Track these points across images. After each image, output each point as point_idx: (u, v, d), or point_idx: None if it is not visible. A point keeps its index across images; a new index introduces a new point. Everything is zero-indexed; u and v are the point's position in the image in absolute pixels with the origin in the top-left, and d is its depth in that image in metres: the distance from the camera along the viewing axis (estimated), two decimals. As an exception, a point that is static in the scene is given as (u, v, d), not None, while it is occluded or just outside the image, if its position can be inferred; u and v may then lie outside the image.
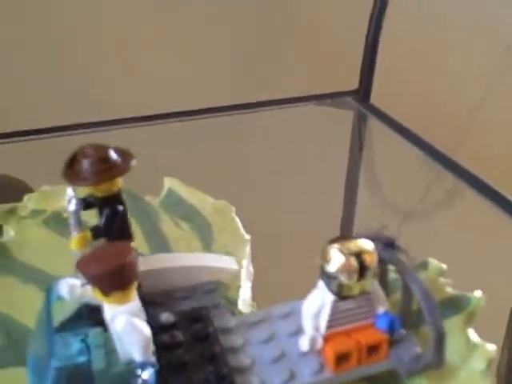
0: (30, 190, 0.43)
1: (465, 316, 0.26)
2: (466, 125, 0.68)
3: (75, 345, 0.22)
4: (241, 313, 0.30)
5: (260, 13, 0.68)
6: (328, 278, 0.23)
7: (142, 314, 0.23)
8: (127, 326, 0.22)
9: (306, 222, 0.38)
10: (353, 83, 0.63)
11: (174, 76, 0.62)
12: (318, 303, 0.24)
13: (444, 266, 0.29)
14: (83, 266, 0.22)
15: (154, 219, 0.35)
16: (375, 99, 0.63)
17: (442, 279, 0.28)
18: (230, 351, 0.25)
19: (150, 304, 0.25)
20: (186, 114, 0.57)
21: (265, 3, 0.69)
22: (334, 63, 0.66)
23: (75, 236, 0.25)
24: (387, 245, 0.24)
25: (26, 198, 0.33)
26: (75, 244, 0.25)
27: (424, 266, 0.29)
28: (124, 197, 0.27)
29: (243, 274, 0.32)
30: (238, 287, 0.32)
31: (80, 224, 0.25)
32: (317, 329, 0.24)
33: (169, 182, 0.36)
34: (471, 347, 0.25)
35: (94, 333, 0.22)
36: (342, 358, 0.24)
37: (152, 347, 0.22)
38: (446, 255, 0.30)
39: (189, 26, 0.64)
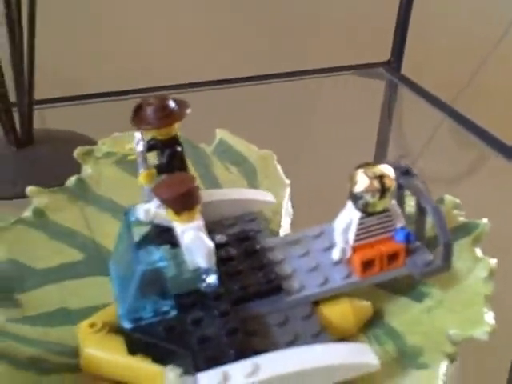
0: (93, 143, 0.49)
1: (473, 238, 0.31)
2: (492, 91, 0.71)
3: (156, 253, 0.26)
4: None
5: None
6: (355, 197, 0.28)
7: (205, 230, 0.27)
8: (195, 238, 0.26)
9: (337, 174, 0.43)
10: (385, 55, 0.67)
11: (221, 46, 0.67)
12: (347, 220, 0.29)
13: (458, 201, 0.33)
14: (159, 191, 0.27)
15: (207, 163, 0.40)
16: (406, 70, 0.67)
17: (455, 211, 0.33)
18: (274, 263, 0.30)
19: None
20: (239, 80, 0.62)
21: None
22: (368, 36, 0.69)
23: (143, 172, 0.30)
24: (404, 172, 0.29)
25: (100, 142, 0.39)
26: (143, 179, 0.30)
27: (441, 200, 0.33)
28: (182, 143, 0.32)
29: (283, 211, 0.37)
30: (279, 222, 0.36)
31: (147, 162, 0.30)
32: (346, 242, 0.29)
33: (220, 133, 0.41)
34: (476, 260, 0.29)
35: (164, 248, 0.27)
36: (366, 265, 0.29)
37: (214, 257, 0.27)
38: (460, 197, 0.34)
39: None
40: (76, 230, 0.34)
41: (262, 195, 0.35)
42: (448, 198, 0.33)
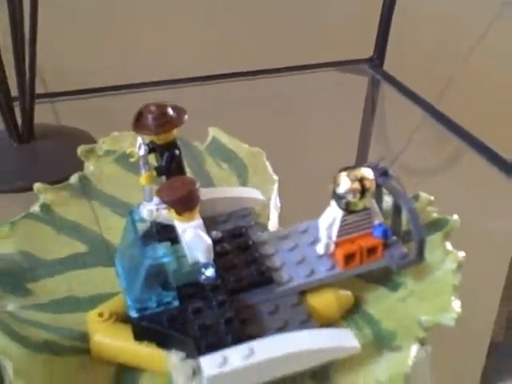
0: (92, 139, 0.51)
1: (444, 232, 0.34)
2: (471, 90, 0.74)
3: (160, 249, 0.29)
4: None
5: None
6: (338, 197, 0.31)
7: (204, 228, 0.30)
8: (195, 236, 0.29)
9: (322, 169, 0.45)
10: (369, 51, 0.70)
11: (205, 43, 0.69)
12: (331, 217, 0.32)
13: (432, 198, 0.36)
14: (163, 194, 0.30)
15: (201, 161, 0.43)
16: (389, 66, 0.69)
17: (429, 208, 0.36)
18: (265, 257, 0.33)
19: None
20: (221, 76, 0.65)
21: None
22: (351, 33, 0.72)
23: (144, 174, 0.33)
24: (383, 173, 0.32)
25: (100, 140, 0.41)
26: (144, 180, 0.33)
27: (416, 197, 0.36)
28: (178, 143, 0.35)
29: (271, 205, 0.40)
30: (268, 215, 0.39)
31: (148, 165, 0.33)
32: (330, 237, 0.32)
33: (213, 131, 0.44)
34: (446, 253, 0.32)
35: (166, 244, 0.30)
36: (348, 258, 0.32)
37: (212, 252, 0.30)
38: (437, 193, 0.37)
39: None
40: (81, 223, 0.37)
41: (252, 193, 0.38)
42: (423, 195, 0.36)
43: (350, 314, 0.32)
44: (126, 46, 0.66)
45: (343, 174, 0.31)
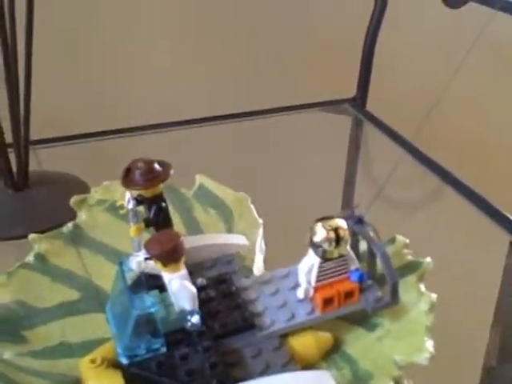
0: (85, 185, 0.53)
1: (417, 275, 0.36)
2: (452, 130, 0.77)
3: (148, 300, 0.31)
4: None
5: (261, 24, 0.77)
6: (315, 246, 0.33)
7: (189, 278, 0.32)
8: (180, 285, 0.31)
9: (307, 211, 0.47)
10: (351, 91, 0.73)
11: (179, 87, 0.71)
12: (309, 264, 0.34)
13: (407, 241, 0.38)
14: (150, 248, 0.32)
15: (189, 207, 0.44)
16: (371, 106, 0.72)
17: (405, 250, 0.38)
18: (248, 302, 0.35)
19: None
20: (201, 121, 0.67)
21: (266, 15, 0.77)
22: (334, 74, 0.75)
23: (133, 226, 0.35)
24: (357, 221, 0.34)
25: (92, 190, 0.43)
26: (133, 232, 0.35)
27: (392, 240, 0.38)
28: (165, 190, 0.37)
29: (257, 249, 0.42)
30: (253, 259, 0.41)
31: (136, 217, 0.35)
32: (309, 282, 0.34)
33: (200, 178, 0.46)
34: (420, 295, 0.34)
35: (154, 293, 0.32)
36: (326, 302, 0.34)
37: (197, 300, 0.31)
38: (416, 231, 0.39)
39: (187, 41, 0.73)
40: (74, 271, 0.39)
41: (237, 239, 0.40)
42: (399, 238, 0.38)
43: (330, 353, 0.34)
44: (113, 90, 0.69)
45: (319, 224, 0.33)
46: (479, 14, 0.65)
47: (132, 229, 0.35)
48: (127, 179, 0.34)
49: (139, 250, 0.34)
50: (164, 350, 0.31)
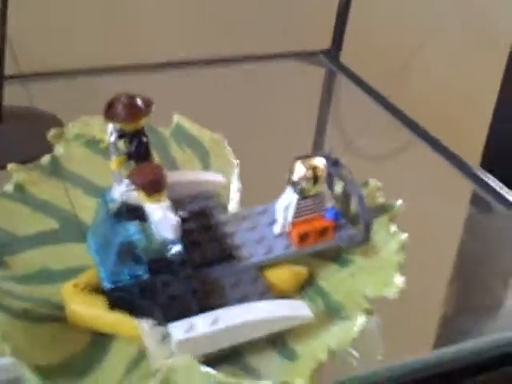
0: (57, 120, 0.53)
1: (389, 216, 0.37)
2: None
3: (131, 227, 0.32)
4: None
5: None
6: (293, 183, 0.34)
7: (171, 209, 0.33)
8: (163, 215, 0.32)
9: (280, 154, 0.48)
10: (327, 43, 0.73)
11: (158, 30, 0.70)
12: (287, 201, 0.35)
13: (379, 184, 0.40)
14: (134, 178, 0.32)
15: (166, 146, 0.45)
16: (345, 59, 0.72)
17: (377, 193, 0.39)
18: (226, 235, 0.36)
19: None
20: (179, 65, 0.67)
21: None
22: (311, 24, 0.75)
23: (114, 159, 0.35)
24: (334, 163, 0.35)
25: (70, 124, 0.43)
26: (114, 165, 0.36)
27: (365, 184, 0.40)
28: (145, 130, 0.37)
29: (232, 188, 0.43)
30: (228, 197, 0.42)
31: (118, 150, 0.36)
32: (285, 219, 0.35)
33: (177, 118, 0.46)
34: (391, 235, 0.36)
35: (136, 223, 0.33)
36: (302, 238, 0.35)
37: (179, 230, 0.32)
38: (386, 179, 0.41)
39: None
40: (52, 202, 0.39)
41: (214, 176, 0.41)
42: (372, 181, 0.40)
43: (305, 287, 0.35)
44: (96, 27, 0.68)
45: (298, 163, 0.34)
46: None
47: (113, 161, 0.35)
48: (110, 112, 0.35)
49: (120, 182, 0.35)
50: (146, 276, 0.32)
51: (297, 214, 0.35)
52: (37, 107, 0.55)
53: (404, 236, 0.36)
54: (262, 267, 0.35)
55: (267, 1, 0.76)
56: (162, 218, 0.32)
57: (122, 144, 0.36)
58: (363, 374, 0.33)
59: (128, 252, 0.31)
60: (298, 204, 0.35)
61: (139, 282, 0.31)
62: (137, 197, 0.33)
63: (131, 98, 0.35)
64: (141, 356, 0.31)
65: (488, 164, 0.69)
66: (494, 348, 0.38)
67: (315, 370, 0.29)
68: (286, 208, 0.35)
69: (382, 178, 0.40)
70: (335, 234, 0.35)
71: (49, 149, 0.42)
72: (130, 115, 0.35)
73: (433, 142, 0.59)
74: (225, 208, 0.40)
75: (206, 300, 0.31)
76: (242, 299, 0.32)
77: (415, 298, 0.39)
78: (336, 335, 0.31)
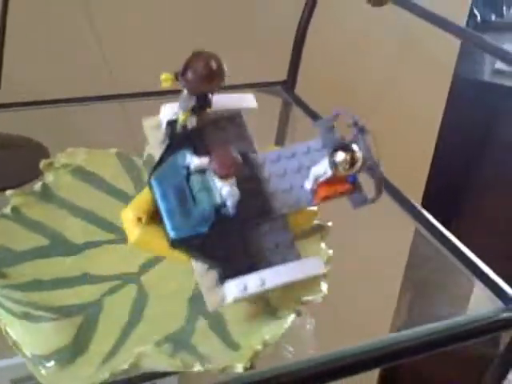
0: (42, 147, 0.60)
1: (321, 235, 0.46)
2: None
3: (212, 197, 0.37)
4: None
5: (199, 7, 0.82)
6: (333, 162, 0.38)
7: (235, 182, 0.37)
8: (229, 191, 0.37)
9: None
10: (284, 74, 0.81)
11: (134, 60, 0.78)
12: (322, 170, 0.40)
13: (316, 209, 0.48)
14: (216, 169, 0.37)
15: (140, 174, 0.53)
16: (300, 90, 0.80)
17: (313, 217, 0.48)
18: (263, 185, 0.40)
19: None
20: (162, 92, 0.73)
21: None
22: (268, 56, 0.82)
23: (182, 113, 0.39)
24: (360, 130, 0.39)
25: (58, 155, 0.51)
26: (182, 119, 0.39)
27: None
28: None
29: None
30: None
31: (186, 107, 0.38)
32: (315, 181, 0.40)
33: (148, 148, 0.54)
34: (321, 250, 0.45)
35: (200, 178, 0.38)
36: (325, 198, 0.41)
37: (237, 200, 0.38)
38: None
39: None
40: (43, 222, 0.47)
41: (248, 102, 0.44)
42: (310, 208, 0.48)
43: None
44: (80, 56, 0.73)
45: (339, 152, 0.38)
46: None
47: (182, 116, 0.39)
48: (186, 77, 0.37)
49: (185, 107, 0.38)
50: (206, 230, 0.37)
51: (326, 181, 0.40)
52: (23, 135, 0.62)
53: (330, 252, 0.45)
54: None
55: (230, 34, 0.83)
56: (228, 193, 0.37)
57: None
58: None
59: (203, 217, 0.37)
60: (330, 175, 0.39)
61: (200, 235, 0.37)
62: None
63: (207, 64, 0.37)
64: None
65: (428, 200, 0.76)
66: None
67: (252, 358, 0.37)
68: (319, 176, 0.40)
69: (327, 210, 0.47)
70: (351, 195, 0.40)
71: (35, 174, 0.50)
72: (206, 80, 0.37)
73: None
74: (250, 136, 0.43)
75: (250, 256, 0.38)
76: (275, 251, 0.39)
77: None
78: (270, 330, 0.39)
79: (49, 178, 0.50)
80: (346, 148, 0.38)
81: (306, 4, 0.76)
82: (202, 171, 0.38)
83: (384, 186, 0.57)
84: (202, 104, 0.39)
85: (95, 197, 0.49)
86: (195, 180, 0.38)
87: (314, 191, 0.41)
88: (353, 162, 0.38)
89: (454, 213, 1.09)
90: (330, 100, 0.76)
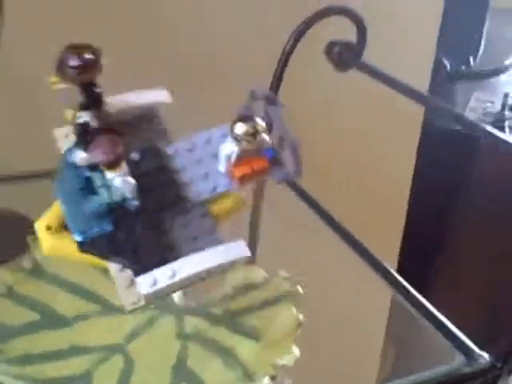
0: (27, 219, 0.63)
1: (293, 300, 0.50)
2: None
3: (97, 200, 0.36)
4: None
5: (179, 52, 0.81)
6: (235, 138, 0.37)
7: (128, 171, 0.36)
8: (122, 181, 0.35)
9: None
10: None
11: None
12: (229, 150, 0.38)
13: (287, 275, 0.52)
14: (95, 156, 0.35)
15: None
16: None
17: (284, 282, 0.52)
18: (176, 174, 0.38)
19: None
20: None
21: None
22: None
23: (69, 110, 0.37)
24: (271, 102, 0.38)
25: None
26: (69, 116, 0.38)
27: (276, 273, 0.52)
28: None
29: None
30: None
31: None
32: (228, 161, 0.38)
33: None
34: (292, 315, 0.48)
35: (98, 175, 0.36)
36: (243, 177, 0.38)
37: (136, 190, 0.36)
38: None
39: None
40: (34, 297, 0.50)
41: (158, 96, 0.42)
42: (281, 272, 0.52)
43: (227, 360, 0.47)
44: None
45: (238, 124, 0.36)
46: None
47: (68, 113, 0.38)
48: (62, 71, 0.36)
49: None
50: (110, 228, 0.35)
51: (238, 159, 0.38)
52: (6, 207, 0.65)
53: (301, 316, 0.48)
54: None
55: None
56: (122, 183, 0.36)
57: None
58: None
59: (97, 216, 0.36)
60: (239, 151, 0.37)
61: (105, 234, 0.35)
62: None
63: (80, 54, 0.36)
64: None
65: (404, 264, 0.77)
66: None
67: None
68: (229, 155, 0.38)
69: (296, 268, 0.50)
70: (271, 171, 0.39)
71: (22, 249, 0.52)
72: (81, 72, 0.36)
73: (352, 242, 0.60)
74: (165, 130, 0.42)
75: (163, 248, 0.35)
76: (193, 240, 0.36)
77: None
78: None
79: (37, 253, 0.53)
80: (245, 119, 0.37)
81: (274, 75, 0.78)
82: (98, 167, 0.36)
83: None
84: (90, 99, 0.37)
85: (83, 270, 0.51)
86: (96, 178, 0.36)
87: (230, 173, 0.38)
88: (255, 132, 0.37)
89: (431, 265, 1.12)
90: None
